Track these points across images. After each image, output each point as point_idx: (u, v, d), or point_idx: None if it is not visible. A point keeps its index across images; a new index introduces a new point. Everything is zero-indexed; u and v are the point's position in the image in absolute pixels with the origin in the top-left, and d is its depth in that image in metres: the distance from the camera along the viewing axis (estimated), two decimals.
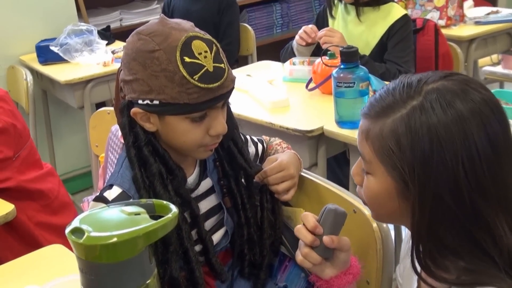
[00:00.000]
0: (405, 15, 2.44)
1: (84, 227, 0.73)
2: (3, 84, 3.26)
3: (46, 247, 1.42)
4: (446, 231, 0.90)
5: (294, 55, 2.56)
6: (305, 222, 1.17)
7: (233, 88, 1.22)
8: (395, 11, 2.44)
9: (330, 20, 2.56)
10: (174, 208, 0.78)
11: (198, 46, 1.16)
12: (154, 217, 0.78)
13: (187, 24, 1.20)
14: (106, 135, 2.00)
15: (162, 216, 0.77)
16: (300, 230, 1.16)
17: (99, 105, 2.99)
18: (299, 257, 1.18)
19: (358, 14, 2.42)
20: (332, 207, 1.17)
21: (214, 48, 1.18)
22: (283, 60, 2.66)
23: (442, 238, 0.91)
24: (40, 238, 1.89)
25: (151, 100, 1.16)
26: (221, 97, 1.19)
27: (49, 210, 1.95)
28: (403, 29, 2.41)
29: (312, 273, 1.22)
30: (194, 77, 1.14)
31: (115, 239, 0.71)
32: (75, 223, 0.75)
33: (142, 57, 1.16)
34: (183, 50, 1.14)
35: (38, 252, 1.40)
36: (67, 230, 0.75)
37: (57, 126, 3.54)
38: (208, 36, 1.20)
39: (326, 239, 1.15)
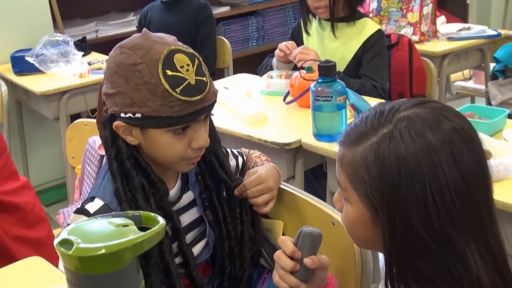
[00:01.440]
0: (379, 30, 2.48)
1: (72, 238, 0.73)
2: None
3: (23, 260, 1.40)
4: (420, 259, 0.90)
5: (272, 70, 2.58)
6: (283, 247, 1.13)
7: (215, 101, 1.23)
8: (369, 26, 2.48)
9: (305, 36, 2.58)
10: (161, 220, 0.79)
11: (180, 59, 1.17)
12: (141, 229, 0.78)
13: (169, 38, 1.21)
14: (82, 147, 1.99)
15: (149, 228, 0.77)
16: (280, 257, 1.12)
17: (74, 116, 2.98)
18: (275, 277, 1.16)
19: (333, 30, 2.45)
20: (308, 230, 1.15)
21: (196, 61, 1.19)
22: (261, 75, 2.68)
23: (416, 266, 0.90)
24: (16, 252, 1.86)
25: (133, 113, 1.17)
26: (203, 110, 1.20)
27: (25, 224, 1.93)
28: (378, 44, 2.45)
29: None
30: (176, 90, 1.15)
31: (103, 251, 0.72)
32: (64, 234, 0.75)
33: (124, 70, 1.16)
34: (165, 63, 1.15)
35: (15, 265, 1.39)
36: (56, 242, 0.75)
37: (31, 137, 3.51)
38: (190, 50, 1.21)
39: (307, 261, 1.12)
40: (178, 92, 1.15)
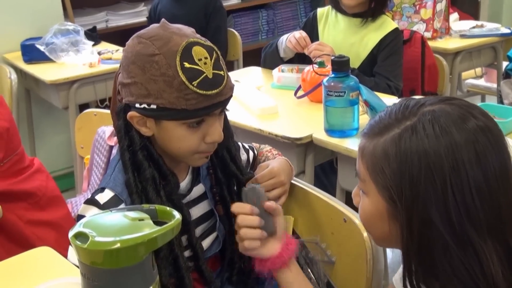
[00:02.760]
0: (396, 29, 2.46)
1: (87, 231, 0.72)
2: None
3: (32, 250, 1.39)
4: (437, 256, 0.89)
5: (278, 54, 2.53)
6: (240, 210, 1.22)
7: (231, 96, 1.21)
8: (387, 24, 2.45)
9: (320, 30, 2.55)
10: (177, 215, 0.78)
11: (198, 52, 1.15)
12: (156, 223, 0.77)
13: (188, 30, 1.20)
14: (91, 137, 1.99)
15: (164, 222, 0.76)
16: (244, 218, 1.21)
17: (83, 106, 2.97)
18: (243, 244, 1.22)
19: (351, 26, 2.43)
20: (249, 186, 1.25)
21: (215, 55, 1.18)
22: (264, 57, 2.64)
23: (434, 263, 0.89)
24: (32, 237, 1.87)
25: (149, 104, 1.16)
26: (219, 104, 1.18)
27: (38, 207, 1.93)
28: (394, 43, 2.43)
29: (256, 260, 1.25)
30: (193, 83, 1.13)
31: (118, 245, 0.70)
32: (78, 227, 0.74)
33: (142, 61, 1.15)
34: (183, 55, 1.14)
35: (24, 255, 1.38)
36: (71, 234, 0.74)
37: (40, 126, 3.50)
38: (208, 43, 1.19)
39: (266, 204, 1.23)
40: (195, 85, 1.14)
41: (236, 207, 1.23)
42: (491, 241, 0.88)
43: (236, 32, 3.57)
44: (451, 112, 0.90)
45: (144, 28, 1.22)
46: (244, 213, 1.22)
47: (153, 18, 3.42)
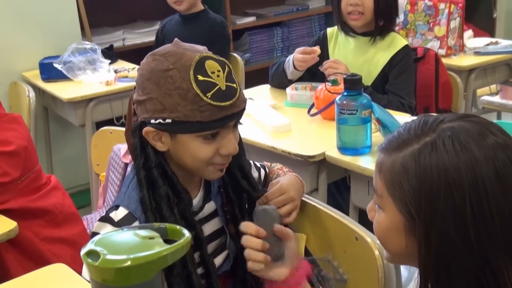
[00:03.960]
0: (407, 46, 2.46)
1: (99, 249, 0.74)
2: (5, 100, 3.27)
3: (48, 267, 1.41)
4: (455, 272, 0.89)
5: (285, 76, 2.54)
6: (247, 230, 1.21)
7: (244, 108, 1.24)
8: (397, 42, 2.46)
9: (330, 47, 2.57)
10: (186, 233, 0.79)
11: (211, 65, 1.18)
12: (166, 241, 0.79)
13: (200, 47, 1.23)
14: (107, 154, 2.01)
15: (175, 241, 0.78)
16: (247, 239, 1.21)
17: (99, 123, 3.01)
18: (248, 264, 1.21)
19: (360, 45, 2.44)
20: (261, 207, 1.23)
21: (227, 68, 1.21)
22: (271, 76, 2.65)
23: (451, 279, 0.89)
24: (48, 253, 1.89)
25: (164, 119, 1.18)
26: (233, 116, 1.21)
27: (54, 224, 1.96)
28: (405, 60, 2.43)
29: (265, 281, 1.24)
30: (207, 95, 1.16)
31: (129, 263, 0.72)
32: (90, 245, 0.76)
33: (156, 76, 1.18)
34: (197, 68, 1.17)
35: (39, 272, 1.40)
36: (82, 252, 0.76)
37: (57, 143, 3.55)
38: (221, 58, 1.22)
39: (276, 228, 1.21)
40: (209, 96, 1.16)
41: (243, 226, 1.23)
42: (509, 260, 0.88)
43: (238, 57, 3.57)
44: (470, 129, 0.90)
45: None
46: (249, 233, 1.21)
47: (159, 38, 3.45)
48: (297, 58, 2.45)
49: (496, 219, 0.87)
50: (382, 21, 2.42)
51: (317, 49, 2.43)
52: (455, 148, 0.88)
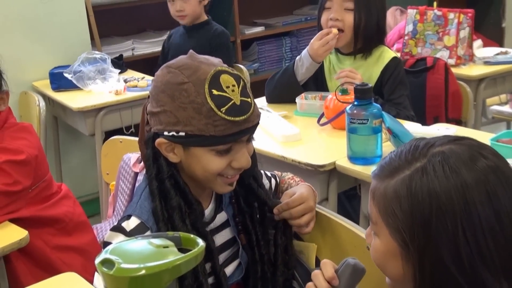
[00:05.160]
0: (395, 58, 2.42)
1: (113, 258, 0.74)
2: (16, 109, 3.28)
3: (58, 275, 1.41)
4: None
5: (294, 78, 2.50)
6: (323, 270, 1.09)
7: (258, 123, 1.24)
8: (385, 55, 2.42)
9: (325, 65, 2.53)
10: (200, 242, 0.80)
11: (226, 80, 1.18)
12: (180, 250, 0.79)
13: (215, 60, 1.23)
14: (117, 163, 2.02)
15: (189, 249, 0.78)
16: (317, 276, 1.09)
17: (109, 133, 3.02)
18: None
19: (352, 61, 2.42)
20: (352, 262, 1.11)
21: (242, 83, 1.21)
22: (274, 86, 2.60)
23: None
24: (58, 262, 1.89)
25: (177, 132, 1.18)
26: (246, 131, 1.21)
27: (65, 233, 1.96)
28: (396, 73, 2.39)
29: None
30: (221, 110, 1.16)
31: (144, 272, 0.72)
32: (105, 254, 0.76)
33: (171, 89, 1.18)
34: (212, 83, 1.17)
35: (50, 280, 1.40)
36: (97, 261, 0.76)
37: (67, 152, 3.56)
38: (236, 72, 1.22)
39: None
40: (223, 111, 1.16)
41: (323, 263, 1.10)
42: (507, 282, 0.87)
43: (242, 67, 3.58)
44: (460, 153, 0.90)
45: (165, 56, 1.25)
46: (324, 274, 1.08)
47: (165, 49, 3.46)
48: (318, 44, 2.37)
49: (490, 243, 0.86)
50: (362, 43, 2.39)
51: (332, 29, 2.37)
52: (445, 173, 0.88)
